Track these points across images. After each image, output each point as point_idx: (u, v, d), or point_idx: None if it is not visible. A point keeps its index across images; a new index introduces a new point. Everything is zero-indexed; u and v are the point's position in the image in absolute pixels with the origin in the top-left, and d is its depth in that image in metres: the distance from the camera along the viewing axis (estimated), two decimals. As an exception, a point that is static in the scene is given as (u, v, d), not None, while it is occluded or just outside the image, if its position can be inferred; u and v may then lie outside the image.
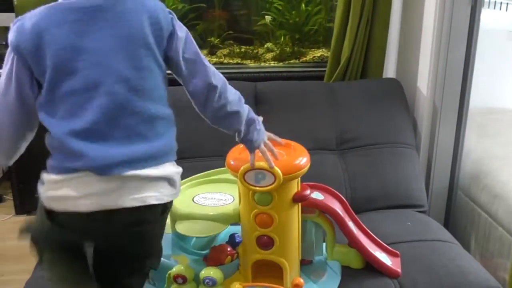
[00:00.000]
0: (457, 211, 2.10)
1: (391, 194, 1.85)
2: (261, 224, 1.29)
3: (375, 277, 1.41)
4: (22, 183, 2.71)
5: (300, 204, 1.34)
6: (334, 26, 2.17)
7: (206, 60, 1.19)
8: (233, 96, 1.21)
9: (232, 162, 1.27)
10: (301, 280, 1.30)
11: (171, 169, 1.13)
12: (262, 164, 1.21)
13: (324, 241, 1.49)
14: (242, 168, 1.21)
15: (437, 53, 1.97)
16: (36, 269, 1.50)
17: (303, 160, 1.27)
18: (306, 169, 1.27)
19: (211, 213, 1.35)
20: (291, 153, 1.32)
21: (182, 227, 1.35)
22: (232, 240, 1.48)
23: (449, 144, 2.06)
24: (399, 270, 1.42)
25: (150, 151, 1.09)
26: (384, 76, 2.16)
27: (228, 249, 1.43)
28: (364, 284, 1.39)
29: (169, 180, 1.12)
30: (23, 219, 2.66)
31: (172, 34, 1.14)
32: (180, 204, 1.39)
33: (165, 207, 1.15)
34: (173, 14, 1.17)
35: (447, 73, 1.99)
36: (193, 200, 1.43)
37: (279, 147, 1.33)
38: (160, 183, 1.11)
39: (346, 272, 1.43)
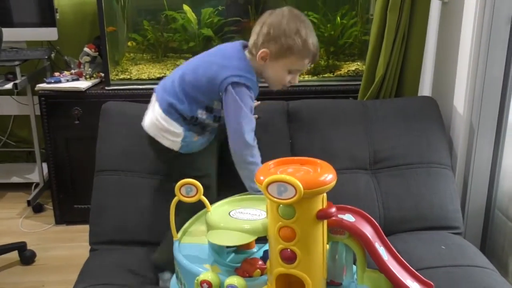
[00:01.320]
0: (495, 231, 2.06)
1: (425, 215, 1.83)
2: (284, 238, 1.30)
3: None
4: (62, 193, 2.78)
5: (326, 222, 1.35)
6: (369, 42, 2.16)
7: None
8: None
9: (261, 178, 1.28)
10: None
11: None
12: (283, 176, 1.22)
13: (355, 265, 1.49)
14: (266, 180, 1.23)
15: (475, 71, 1.94)
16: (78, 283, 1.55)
17: (328, 177, 1.28)
18: (330, 186, 1.27)
19: (242, 226, 1.39)
20: (316, 170, 1.33)
21: (213, 237, 1.39)
22: (265, 256, 1.50)
23: (486, 164, 2.02)
24: (429, 300, 1.40)
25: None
26: (419, 95, 2.14)
27: (259, 262, 1.45)
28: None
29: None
30: (62, 228, 2.78)
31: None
32: (216, 217, 1.44)
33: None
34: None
35: (484, 91, 1.96)
36: (229, 214, 1.47)
37: (306, 165, 1.34)
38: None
39: None
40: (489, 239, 2.07)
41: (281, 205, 1.28)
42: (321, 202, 1.33)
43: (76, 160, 2.74)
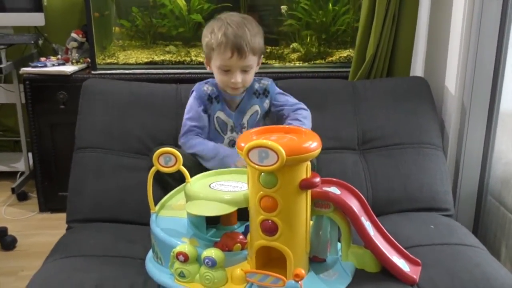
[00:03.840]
0: (487, 216, 2.00)
1: (414, 196, 1.77)
2: (265, 208, 1.24)
3: (390, 282, 1.32)
4: (46, 180, 2.72)
5: (310, 193, 1.29)
6: (359, 21, 2.11)
7: None
8: None
9: (242, 144, 1.23)
10: (302, 271, 1.24)
11: None
12: (265, 141, 1.17)
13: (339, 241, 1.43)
14: (246, 145, 1.18)
15: (466, 51, 1.89)
16: (47, 261, 1.48)
17: (312, 144, 1.22)
18: (314, 153, 1.22)
19: (222, 196, 1.33)
20: (301, 137, 1.27)
21: (191, 207, 1.33)
22: (247, 230, 1.44)
23: (478, 146, 1.97)
24: (416, 277, 1.33)
25: None
26: (411, 75, 2.09)
27: (240, 237, 1.40)
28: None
29: None
30: (46, 216, 2.72)
31: None
32: (196, 188, 1.38)
33: None
34: None
35: (476, 71, 1.91)
36: (209, 186, 1.41)
37: (290, 133, 1.30)
38: None
39: (360, 274, 1.35)
40: (481, 225, 2.01)
41: (262, 173, 1.23)
42: (305, 171, 1.27)
43: (61, 147, 2.67)
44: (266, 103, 1.79)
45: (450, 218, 1.75)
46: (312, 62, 2.67)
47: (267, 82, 1.80)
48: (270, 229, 1.26)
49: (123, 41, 2.75)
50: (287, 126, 1.39)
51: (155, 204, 1.46)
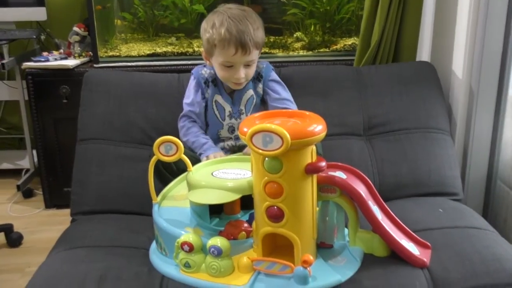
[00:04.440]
0: (496, 202, 1.97)
1: (422, 180, 1.74)
2: (270, 194, 1.21)
3: (400, 265, 1.29)
4: (51, 177, 2.71)
5: (315, 178, 1.26)
6: (364, 8, 2.08)
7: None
8: None
9: (244, 129, 1.20)
10: (311, 257, 1.21)
11: None
12: (268, 125, 1.14)
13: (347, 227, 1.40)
14: (250, 130, 1.15)
15: (473, 34, 1.85)
16: (51, 253, 1.46)
17: (317, 127, 1.19)
18: (319, 136, 1.19)
19: (226, 184, 1.30)
20: (305, 121, 1.24)
21: (195, 196, 1.31)
22: (251, 219, 1.41)
23: (487, 131, 1.94)
24: (426, 260, 1.30)
25: None
26: (417, 60, 2.05)
27: (245, 225, 1.37)
28: (386, 272, 1.27)
29: None
30: (52, 212, 2.70)
31: None
32: (198, 177, 1.35)
33: None
34: None
35: (484, 55, 1.87)
36: (211, 174, 1.38)
37: (294, 117, 1.27)
38: None
39: (368, 259, 1.33)
40: (490, 210, 1.98)
41: (267, 158, 1.20)
42: (310, 155, 1.24)
43: (65, 142, 2.66)
44: (260, 88, 1.75)
45: (459, 202, 1.71)
46: (316, 50, 2.64)
47: (263, 65, 1.76)
48: (276, 216, 1.23)
49: (125, 34, 2.74)
50: (290, 110, 1.36)
51: (156, 195, 1.44)
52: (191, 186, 1.35)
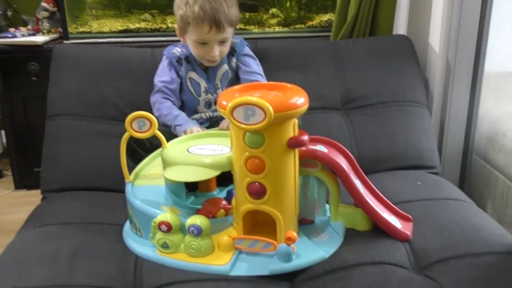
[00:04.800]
0: (473, 175, 1.98)
1: (400, 154, 1.74)
2: (252, 169, 1.18)
3: (383, 238, 1.27)
4: (21, 156, 2.63)
5: (297, 152, 1.23)
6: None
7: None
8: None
9: (224, 102, 1.16)
10: (294, 234, 1.19)
11: None
12: (250, 98, 1.10)
13: (328, 202, 1.38)
14: (230, 103, 1.11)
15: (451, 7, 1.84)
16: (20, 231, 1.42)
17: (300, 100, 1.16)
18: (302, 109, 1.16)
19: (203, 160, 1.26)
20: (287, 94, 1.21)
21: (171, 173, 1.26)
22: (229, 196, 1.38)
23: (463, 104, 1.94)
24: (409, 233, 1.28)
25: None
26: (394, 34, 2.03)
27: (223, 202, 1.34)
28: (369, 245, 1.26)
29: None
30: (22, 193, 2.63)
31: None
32: (174, 154, 1.31)
33: None
34: None
35: (461, 29, 1.87)
36: (187, 150, 1.33)
37: (275, 90, 1.23)
38: None
39: (351, 234, 1.31)
40: (467, 184, 1.99)
41: (248, 133, 1.16)
42: (292, 129, 1.21)
43: (34, 121, 2.57)
44: (233, 62, 1.72)
45: (436, 176, 1.71)
46: (292, 27, 2.60)
47: (237, 40, 1.74)
48: (257, 192, 1.20)
49: (96, 10, 2.65)
50: (272, 82, 1.32)
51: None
52: (166, 163, 1.30)
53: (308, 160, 1.30)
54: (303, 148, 1.26)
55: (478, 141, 1.98)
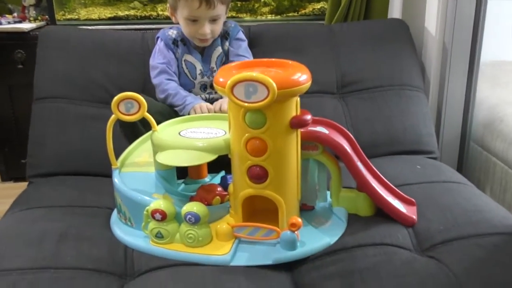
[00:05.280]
0: (470, 161, 1.94)
1: (398, 138, 1.70)
2: (252, 152, 1.12)
3: (388, 224, 1.22)
4: (7, 147, 2.55)
5: (299, 133, 1.18)
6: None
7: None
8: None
9: (221, 79, 1.10)
10: (299, 220, 1.13)
11: None
12: (252, 74, 1.05)
13: (328, 189, 1.32)
14: (231, 80, 1.05)
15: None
16: (5, 215, 1.36)
17: (302, 76, 1.10)
18: (305, 86, 1.10)
19: (199, 144, 1.18)
20: (288, 70, 1.16)
21: (164, 157, 1.18)
22: (223, 182, 1.32)
23: (460, 90, 1.90)
24: (414, 217, 1.23)
25: None
26: (389, 18, 2.00)
27: (218, 189, 1.27)
28: (371, 227, 1.20)
29: None
30: (9, 185, 2.55)
31: None
32: (166, 137, 1.23)
33: None
34: None
35: (457, 11, 1.83)
36: (179, 134, 1.26)
37: (275, 67, 1.18)
38: None
39: (354, 219, 1.25)
40: (464, 169, 1.96)
41: (248, 113, 1.10)
42: (294, 108, 1.15)
43: (21, 110, 2.50)
44: (226, 46, 1.68)
45: (435, 160, 1.68)
46: (284, 15, 2.56)
47: (231, 25, 1.71)
48: (258, 176, 1.13)
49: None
50: (272, 59, 1.26)
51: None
52: (158, 147, 1.22)
53: (308, 142, 1.24)
54: (303, 129, 1.20)
55: (475, 128, 1.94)
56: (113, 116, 1.24)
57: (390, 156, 1.65)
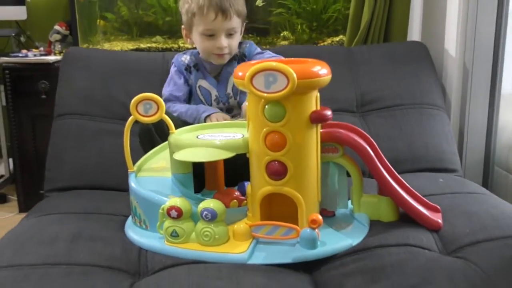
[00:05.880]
0: (495, 186, 1.88)
1: (420, 156, 1.66)
2: (272, 146, 1.09)
3: (414, 228, 1.17)
4: (26, 178, 2.57)
5: (319, 131, 1.15)
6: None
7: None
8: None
9: (240, 73, 1.10)
10: (320, 217, 1.09)
11: None
12: (272, 63, 1.04)
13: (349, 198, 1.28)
14: (250, 69, 1.04)
15: (466, 12, 1.82)
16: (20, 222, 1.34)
17: (323, 70, 1.09)
18: (326, 79, 1.08)
19: (217, 142, 1.17)
20: (308, 64, 1.14)
21: (181, 154, 1.16)
22: (240, 188, 1.29)
23: (482, 112, 1.88)
24: (440, 221, 1.18)
25: None
26: (408, 40, 2.01)
27: (236, 193, 1.24)
28: (397, 232, 1.15)
29: None
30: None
31: None
32: (184, 138, 1.23)
33: None
34: None
35: (477, 33, 1.83)
36: (197, 137, 1.24)
37: (294, 64, 1.17)
38: None
39: (377, 225, 1.20)
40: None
41: (267, 105, 1.08)
42: (314, 102, 1.13)
43: (43, 141, 2.52)
44: None
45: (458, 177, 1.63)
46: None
47: (246, 45, 1.68)
48: (277, 172, 1.11)
49: (109, 35, 2.67)
50: (291, 58, 1.26)
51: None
52: (176, 147, 1.21)
53: (328, 144, 1.21)
54: (323, 130, 1.17)
55: (499, 151, 1.90)
56: (131, 117, 1.23)
57: (413, 173, 1.61)
